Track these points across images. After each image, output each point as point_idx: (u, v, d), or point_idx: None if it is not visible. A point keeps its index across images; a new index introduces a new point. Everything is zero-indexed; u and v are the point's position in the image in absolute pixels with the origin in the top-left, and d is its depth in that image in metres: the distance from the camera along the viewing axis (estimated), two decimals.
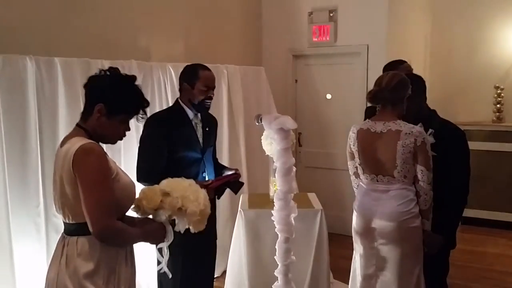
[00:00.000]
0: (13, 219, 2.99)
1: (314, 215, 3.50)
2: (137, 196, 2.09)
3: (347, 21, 5.45)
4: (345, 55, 5.54)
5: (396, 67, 3.62)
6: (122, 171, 2.08)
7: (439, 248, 2.81)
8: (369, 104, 3.35)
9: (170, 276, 2.33)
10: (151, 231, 2.09)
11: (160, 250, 2.25)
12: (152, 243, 2.16)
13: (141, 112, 2.08)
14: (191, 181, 2.17)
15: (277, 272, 2.64)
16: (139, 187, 2.20)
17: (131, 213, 2.12)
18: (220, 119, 4.52)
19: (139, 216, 2.13)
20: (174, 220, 2.13)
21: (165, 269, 2.25)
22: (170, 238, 2.15)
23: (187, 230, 2.13)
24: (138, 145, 2.99)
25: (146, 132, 2.96)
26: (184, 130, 2.99)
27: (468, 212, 5.09)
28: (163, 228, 2.11)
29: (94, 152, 1.91)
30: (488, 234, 5.65)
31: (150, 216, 2.13)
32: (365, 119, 2.98)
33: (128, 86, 2.04)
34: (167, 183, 2.13)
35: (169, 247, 2.21)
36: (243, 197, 3.88)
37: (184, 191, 2.07)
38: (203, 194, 2.13)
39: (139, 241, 2.10)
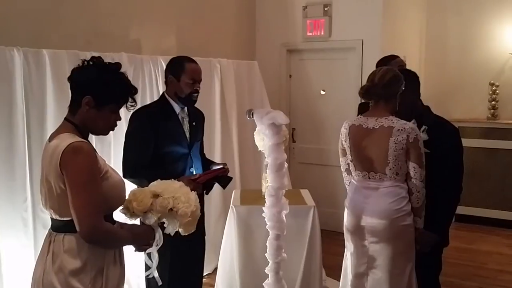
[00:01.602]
0: (0, 214, 2.94)
1: (306, 212, 3.47)
2: (126, 197, 2.05)
3: (341, 15, 5.41)
4: (340, 50, 5.50)
5: (388, 62, 3.60)
6: (112, 169, 2.04)
7: (431, 246, 2.79)
8: (362, 100, 3.32)
9: (160, 283, 2.28)
10: (140, 234, 2.06)
11: (149, 255, 2.20)
12: (140, 246, 2.10)
13: (130, 99, 2.04)
14: (182, 183, 2.15)
15: (268, 270, 2.61)
16: (128, 185, 2.16)
17: (119, 215, 2.08)
18: (212, 113, 4.47)
19: (127, 219, 2.09)
20: (163, 223, 2.09)
21: (155, 274, 2.21)
22: (159, 242, 2.11)
23: (177, 232, 2.10)
24: (124, 140, 2.93)
25: (132, 126, 2.90)
26: (171, 124, 2.93)
27: (461, 210, 5.10)
28: (152, 231, 2.08)
29: (83, 151, 1.86)
30: (481, 232, 5.64)
31: (138, 221, 2.09)
32: (358, 115, 2.94)
33: (114, 74, 1.99)
34: (157, 185, 2.11)
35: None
36: (235, 193, 3.84)
37: (175, 192, 2.05)
38: (193, 196, 2.11)
39: (128, 244, 2.06)
